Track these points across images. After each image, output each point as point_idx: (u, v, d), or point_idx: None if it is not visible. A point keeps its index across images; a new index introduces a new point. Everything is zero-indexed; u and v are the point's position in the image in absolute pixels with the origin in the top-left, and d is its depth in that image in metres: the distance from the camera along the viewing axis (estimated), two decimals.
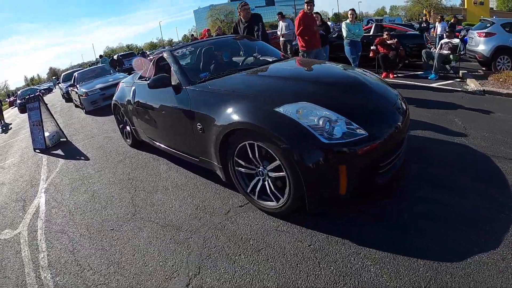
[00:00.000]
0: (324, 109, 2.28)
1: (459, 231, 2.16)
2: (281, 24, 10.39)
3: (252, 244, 2.36)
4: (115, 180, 3.99)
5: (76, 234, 2.96)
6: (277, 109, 2.32)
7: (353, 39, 7.29)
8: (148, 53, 28.00)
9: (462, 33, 14.47)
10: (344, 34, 7.34)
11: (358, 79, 2.89)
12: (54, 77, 55.04)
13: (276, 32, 11.83)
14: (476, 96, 5.77)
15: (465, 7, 37.63)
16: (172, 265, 2.30)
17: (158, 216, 2.96)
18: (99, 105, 9.22)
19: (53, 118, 6.68)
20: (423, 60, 8.23)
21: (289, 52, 9.39)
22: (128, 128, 4.93)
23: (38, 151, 6.25)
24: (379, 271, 1.91)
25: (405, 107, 2.75)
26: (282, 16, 10.70)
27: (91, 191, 3.82)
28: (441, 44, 8.18)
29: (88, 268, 2.45)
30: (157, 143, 4.00)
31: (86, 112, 9.37)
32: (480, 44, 8.32)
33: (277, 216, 2.58)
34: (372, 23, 12.70)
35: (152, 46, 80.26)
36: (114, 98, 5.00)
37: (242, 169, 2.68)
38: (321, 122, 2.16)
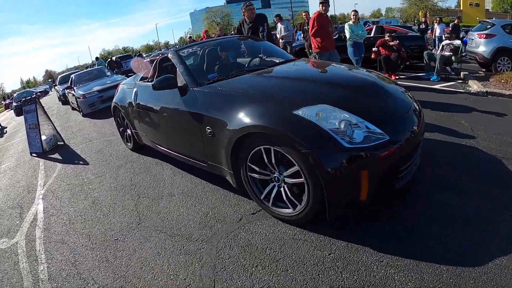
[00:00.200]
0: (344, 111, 2.18)
1: (478, 235, 2.10)
2: (280, 26, 10.32)
3: (269, 254, 2.22)
4: (116, 186, 3.82)
5: (78, 244, 2.78)
6: (296, 112, 2.20)
7: (356, 40, 7.22)
8: (144, 55, 27.83)
9: (461, 34, 14.51)
10: (347, 35, 7.27)
11: (375, 82, 2.80)
12: (50, 80, 54.61)
13: (275, 34, 11.76)
14: (479, 98, 5.73)
15: (461, 8, 37.89)
16: (184, 279, 2.14)
17: (165, 225, 2.79)
18: (97, 107, 9.02)
19: (50, 121, 6.49)
20: (424, 62, 8.19)
21: None
22: (129, 131, 4.76)
23: (34, 155, 6.06)
24: (404, 279, 1.83)
25: (420, 110, 2.67)
26: (280, 18, 10.65)
27: (91, 198, 3.64)
28: (443, 46, 8.17)
29: (93, 282, 2.28)
30: (161, 148, 3.83)
31: (84, 115, 9.17)
32: (480, 46, 8.33)
33: (293, 223, 2.44)
34: (369, 25, 12.67)
35: (149, 48, 79.98)
36: (114, 100, 4.84)
37: (256, 175, 2.54)
38: (342, 126, 2.06)
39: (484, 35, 8.33)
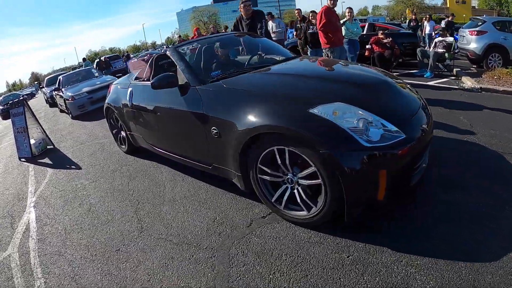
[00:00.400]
0: (360, 109, 2.11)
1: (490, 230, 2.11)
2: (271, 24, 10.18)
3: (286, 260, 2.10)
4: (113, 192, 3.63)
5: (76, 256, 2.59)
6: (312, 111, 2.09)
7: (351, 37, 7.22)
8: (132, 55, 27.40)
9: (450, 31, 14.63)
10: (343, 33, 7.21)
11: (385, 79, 2.74)
12: (36, 82, 53.43)
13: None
14: (474, 94, 5.76)
15: (448, 6, 38.39)
16: None
17: (170, 233, 2.63)
18: (87, 109, 8.75)
19: (39, 124, 6.22)
20: (418, 59, 8.24)
21: None
22: (123, 133, 4.56)
23: (23, 160, 5.78)
24: (425, 278, 1.80)
25: (428, 107, 2.62)
26: (272, 16, 10.53)
27: (87, 205, 3.44)
28: (435, 43, 8.24)
29: None
30: (160, 150, 3.65)
31: (73, 117, 8.88)
32: (471, 42, 8.45)
33: (306, 226, 2.34)
34: (357, 23, 12.67)
35: (135, 49, 78.95)
36: (106, 101, 4.63)
37: (267, 177, 2.42)
38: (360, 124, 1.99)
39: (476, 32, 8.48)
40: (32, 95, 31.51)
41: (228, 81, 2.76)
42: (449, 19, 14.32)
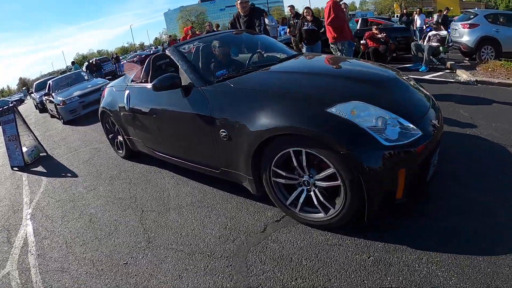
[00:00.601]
0: (377, 107, 2.07)
1: (501, 222, 2.10)
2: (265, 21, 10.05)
3: (306, 265, 2.02)
4: (114, 200, 3.46)
5: (81, 272, 2.43)
6: (329, 110, 2.02)
7: None
8: (121, 57, 27.04)
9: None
10: None
11: (395, 76, 2.67)
12: (24, 88, 52.47)
13: None
14: (470, 86, 5.77)
15: None
16: None
17: (180, 242, 2.49)
18: (79, 113, 8.52)
19: (31, 131, 5.99)
20: (412, 53, 8.26)
21: None
22: (120, 138, 4.39)
23: (16, 168, 5.55)
24: (446, 274, 1.78)
25: (436, 103, 2.59)
26: (265, 13, 10.38)
27: (87, 215, 3.27)
28: (429, 36, 8.26)
29: None
30: (161, 154, 3.50)
31: (65, 122, 8.63)
32: (464, 35, 8.51)
33: (323, 228, 2.27)
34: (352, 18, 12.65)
35: (124, 51, 78.02)
36: (101, 105, 4.45)
37: (282, 180, 2.32)
38: (379, 123, 1.95)
39: (468, 25, 8.54)
40: (21, 101, 30.93)
41: (236, 80, 2.63)
42: (445, 13, 14.38)
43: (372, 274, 1.86)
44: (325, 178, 2.09)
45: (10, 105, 6.55)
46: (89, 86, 9.11)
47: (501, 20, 8.50)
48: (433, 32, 8.29)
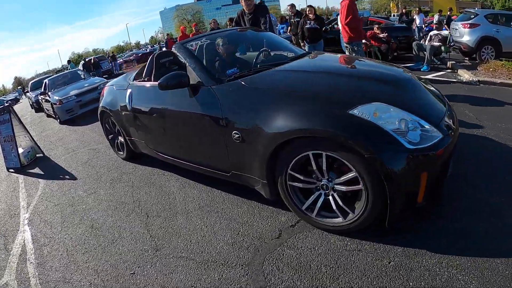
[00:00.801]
0: (397, 109, 2.00)
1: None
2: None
3: (326, 272, 1.93)
4: (116, 204, 3.30)
5: (84, 283, 2.28)
6: (352, 112, 1.94)
7: None
8: (117, 56, 26.79)
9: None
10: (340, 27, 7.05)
11: (410, 77, 2.60)
12: (19, 87, 51.87)
13: None
14: (472, 87, 5.74)
15: None
16: None
17: (191, 250, 2.34)
18: (76, 113, 8.32)
19: (27, 131, 5.79)
20: (414, 52, 8.23)
21: None
22: (121, 138, 4.23)
23: (12, 170, 5.36)
24: (467, 277, 1.75)
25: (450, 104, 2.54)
26: None
27: (88, 221, 3.11)
28: (430, 36, 8.26)
29: None
30: (165, 156, 3.35)
31: (61, 122, 8.43)
32: (464, 35, 8.49)
33: (340, 233, 2.19)
34: None
35: (120, 49, 77.49)
36: (101, 105, 4.29)
37: (299, 184, 2.21)
38: (402, 126, 1.89)
39: (468, 25, 8.52)
40: (16, 100, 30.52)
41: (249, 79, 2.50)
42: (448, 13, 14.36)
43: (394, 280, 1.80)
44: (346, 182, 2.01)
45: (6, 104, 6.34)
46: (86, 85, 8.91)
47: (501, 20, 8.51)
48: (435, 31, 8.29)
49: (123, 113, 3.73)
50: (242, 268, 2.07)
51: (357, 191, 1.99)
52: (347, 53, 5.44)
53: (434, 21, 11.96)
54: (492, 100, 4.70)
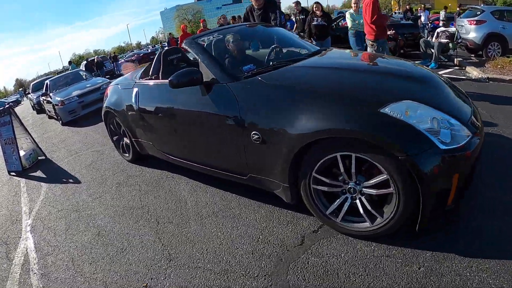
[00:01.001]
0: (427, 107, 1.90)
1: None
2: None
3: (356, 281, 1.82)
4: (123, 210, 3.13)
5: None
6: (383, 110, 1.82)
7: (358, 29, 6.87)
8: (118, 56, 26.70)
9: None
10: (349, 24, 6.98)
11: (433, 74, 2.49)
12: (21, 89, 51.87)
13: None
14: (482, 84, 5.66)
15: None
16: None
17: (208, 259, 2.17)
18: (78, 114, 8.15)
19: (28, 133, 5.62)
20: (421, 50, 8.15)
21: None
22: (126, 140, 4.06)
23: (13, 174, 5.19)
24: (497, 282, 1.68)
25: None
26: None
27: (95, 228, 2.94)
28: (438, 33, 8.17)
29: None
30: (176, 158, 3.17)
31: (63, 124, 8.26)
32: (471, 32, 8.42)
33: (366, 238, 2.07)
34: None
35: (121, 50, 77.42)
36: (105, 105, 4.11)
37: (324, 188, 2.06)
38: (435, 125, 1.79)
39: (475, 22, 8.44)
40: (17, 102, 30.49)
41: (268, 76, 2.33)
42: (458, 9, 14.21)
43: (425, 286, 1.72)
44: (375, 185, 1.89)
45: (7, 106, 6.17)
46: (88, 85, 8.74)
47: (508, 16, 8.38)
48: (442, 28, 8.19)
49: (129, 113, 3.56)
50: (265, 279, 1.92)
51: (386, 194, 1.87)
52: (369, 50, 5.31)
53: (441, 18, 11.78)
54: (504, 97, 4.61)
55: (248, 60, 2.95)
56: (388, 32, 8.47)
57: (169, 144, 3.22)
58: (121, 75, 9.96)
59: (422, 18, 14.22)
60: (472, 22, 8.45)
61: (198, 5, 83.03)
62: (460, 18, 9.77)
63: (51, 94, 8.87)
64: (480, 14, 8.58)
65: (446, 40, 7.71)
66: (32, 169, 5.20)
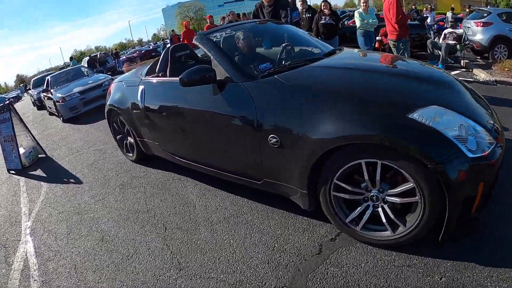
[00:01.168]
0: (454, 113, 1.83)
1: None
2: None
3: None
4: (128, 214, 2.99)
5: None
6: (411, 116, 1.74)
7: (367, 29, 6.82)
8: (120, 53, 26.54)
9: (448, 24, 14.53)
10: (357, 24, 6.89)
11: (453, 78, 2.40)
12: (22, 85, 51.65)
13: None
14: (490, 87, 5.56)
15: None
16: None
17: (220, 269, 2.04)
18: (79, 111, 8.00)
19: (28, 130, 5.48)
20: (428, 51, 8.08)
21: None
22: (130, 139, 3.92)
23: (13, 172, 5.05)
24: None
25: None
26: None
27: (98, 232, 2.80)
28: (445, 34, 8.15)
29: None
30: (184, 160, 3.04)
31: (64, 121, 8.11)
32: (477, 34, 8.37)
33: (387, 247, 1.98)
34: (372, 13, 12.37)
35: (122, 47, 77.16)
36: (109, 102, 3.97)
37: (345, 195, 1.95)
38: (463, 132, 1.72)
39: (481, 24, 8.39)
40: (18, 98, 30.34)
41: (286, 76, 2.20)
42: (467, 10, 14.10)
43: None
44: (400, 193, 1.81)
45: (6, 102, 6.02)
46: (90, 82, 8.59)
47: None
48: (449, 29, 8.15)
49: (134, 112, 3.42)
50: None
51: (410, 203, 1.81)
52: (393, 50, 5.25)
53: (449, 19, 11.68)
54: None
55: (259, 58, 2.82)
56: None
57: (176, 145, 3.09)
58: (122, 72, 9.80)
59: (428, 19, 14.10)
60: (479, 24, 8.40)
61: (200, 2, 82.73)
62: (467, 19, 9.68)
63: (52, 90, 8.71)
64: (486, 16, 8.53)
65: (453, 42, 7.64)
66: (32, 168, 5.06)
